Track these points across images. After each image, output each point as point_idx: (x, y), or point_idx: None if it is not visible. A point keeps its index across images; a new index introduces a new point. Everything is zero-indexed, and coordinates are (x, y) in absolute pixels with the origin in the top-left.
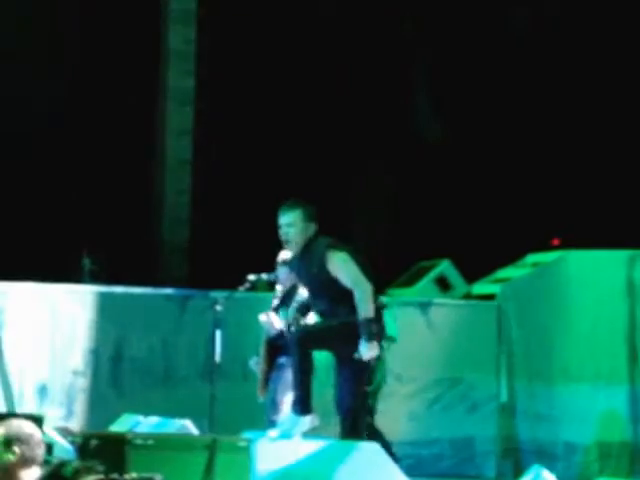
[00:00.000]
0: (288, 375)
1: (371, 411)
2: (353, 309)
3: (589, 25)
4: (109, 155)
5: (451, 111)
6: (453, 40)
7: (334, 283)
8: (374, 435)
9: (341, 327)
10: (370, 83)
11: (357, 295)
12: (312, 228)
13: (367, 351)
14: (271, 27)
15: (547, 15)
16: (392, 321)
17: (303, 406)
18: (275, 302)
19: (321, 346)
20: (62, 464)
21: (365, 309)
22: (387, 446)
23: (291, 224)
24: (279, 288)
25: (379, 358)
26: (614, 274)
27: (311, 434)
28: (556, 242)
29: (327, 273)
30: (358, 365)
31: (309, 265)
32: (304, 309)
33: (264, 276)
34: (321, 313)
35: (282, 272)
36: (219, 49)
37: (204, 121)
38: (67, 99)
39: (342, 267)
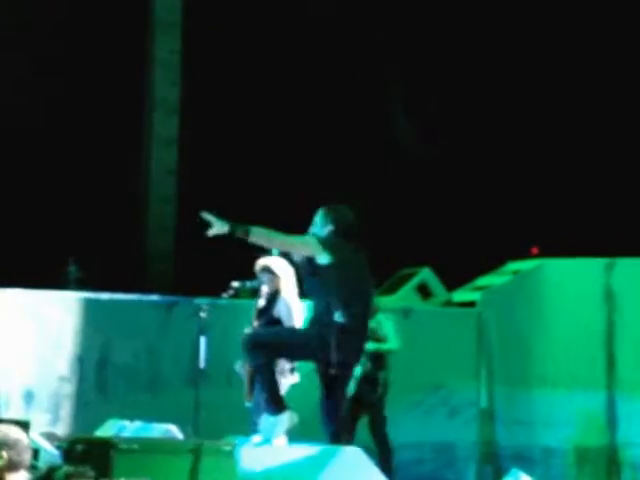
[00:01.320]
0: None
1: (383, 419)
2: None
3: (567, 42)
4: (96, 163)
5: (430, 122)
6: (428, 51)
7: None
8: (385, 444)
9: (296, 334)
10: (350, 96)
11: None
12: (328, 230)
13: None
14: (254, 38)
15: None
16: (392, 332)
17: (276, 405)
18: (261, 304)
19: (270, 350)
20: (53, 469)
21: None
22: (390, 455)
23: (313, 223)
24: (264, 290)
25: (381, 367)
26: (591, 281)
27: (297, 440)
28: (535, 251)
29: (314, 264)
30: (336, 372)
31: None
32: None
33: (248, 283)
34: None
35: (264, 278)
36: (204, 59)
37: (189, 131)
38: (54, 108)
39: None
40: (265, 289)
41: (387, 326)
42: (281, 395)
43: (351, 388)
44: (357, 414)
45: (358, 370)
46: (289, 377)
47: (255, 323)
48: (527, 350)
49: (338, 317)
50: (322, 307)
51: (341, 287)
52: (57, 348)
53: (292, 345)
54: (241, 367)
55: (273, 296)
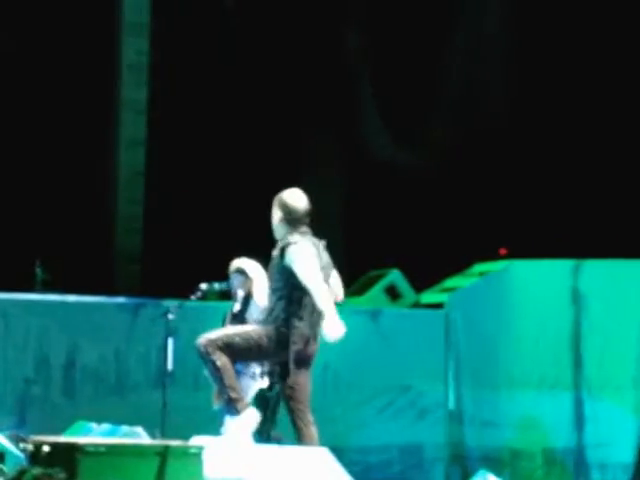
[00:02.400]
0: (242, 381)
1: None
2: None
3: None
4: (63, 165)
5: (398, 124)
6: (399, 54)
7: (287, 280)
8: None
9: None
10: (322, 97)
11: (310, 289)
12: (280, 220)
13: (331, 329)
14: (225, 37)
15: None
16: None
17: (237, 404)
18: (236, 308)
19: (226, 352)
20: (23, 471)
21: (321, 301)
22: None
23: (272, 214)
24: (240, 293)
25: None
26: (559, 283)
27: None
28: (503, 252)
29: (285, 267)
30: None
31: (274, 259)
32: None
33: (216, 285)
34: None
35: (236, 280)
36: (172, 61)
37: (157, 132)
38: (20, 109)
39: (297, 259)
40: (240, 293)
41: None
42: (242, 395)
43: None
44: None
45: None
46: (259, 381)
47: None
48: (495, 351)
49: (296, 317)
50: (278, 306)
51: (301, 287)
52: (23, 350)
53: (247, 346)
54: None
55: (247, 299)
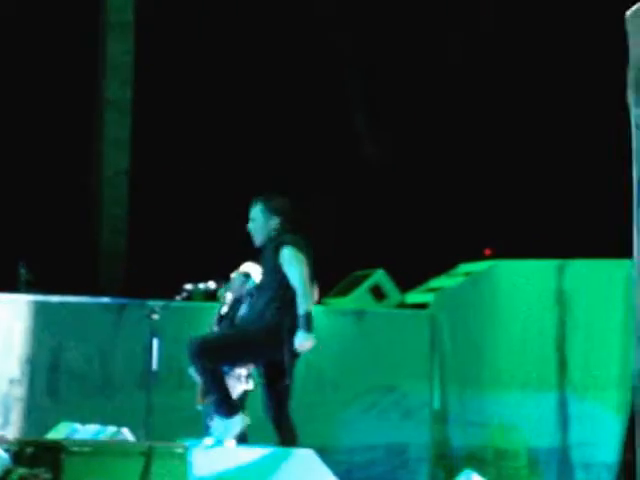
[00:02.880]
0: (227, 383)
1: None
2: (280, 314)
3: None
4: (47, 164)
5: (386, 124)
6: (388, 59)
7: (281, 280)
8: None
9: (247, 339)
10: (310, 100)
11: (298, 291)
12: (274, 222)
13: (304, 342)
14: (209, 37)
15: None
16: None
17: (227, 408)
18: (224, 310)
19: (219, 355)
20: (8, 471)
21: (305, 305)
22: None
23: (252, 218)
24: (228, 296)
25: None
26: (543, 283)
27: (248, 443)
28: (488, 252)
29: (278, 268)
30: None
31: (266, 260)
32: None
33: (201, 286)
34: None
35: (237, 281)
36: (157, 60)
37: (142, 132)
38: (4, 109)
39: (289, 262)
40: (229, 295)
41: None
42: (232, 398)
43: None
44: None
45: None
46: (244, 384)
47: (215, 328)
48: (479, 351)
49: (289, 317)
50: (270, 306)
51: (289, 287)
52: (7, 351)
53: (238, 348)
54: (195, 372)
55: (236, 302)
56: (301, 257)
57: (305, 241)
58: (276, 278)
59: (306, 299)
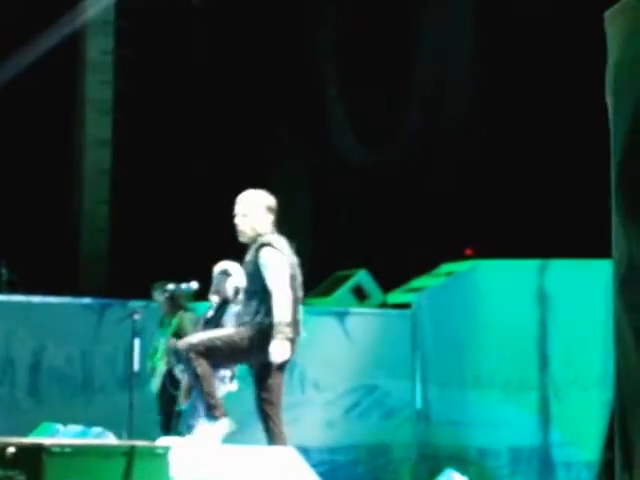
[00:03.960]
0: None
1: (174, 414)
2: (270, 316)
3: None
4: (28, 165)
5: (366, 123)
6: (368, 56)
7: (262, 283)
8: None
9: (238, 340)
10: (288, 94)
11: (274, 298)
12: (267, 220)
13: (280, 352)
14: (189, 35)
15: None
16: (191, 329)
17: (215, 411)
18: (209, 313)
19: (210, 357)
20: None
21: (280, 313)
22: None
23: (244, 214)
24: (214, 299)
25: None
26: (525, 282)
27: (228, 440)
28: (469, 252)
29: (258, 270)
30: (269, 370)
31: (249, 262)
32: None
33: (183, 286)
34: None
35: (215, 280)
36: (137, 59)
37: (122, 131)
38: None
39: (269, 265)
40: (214, 298)
41: (187, 323)
42: (221, 402)
43: (156, 384)
44: (171, 409)
45: (161, 366)
46: (228, 385)
47: (200, 331)
48: (461, 351)
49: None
50: (262, 309)
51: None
52: None
53: (229, 349)
54: (181, 372)
55: (222, 305)
56: (282, 261)
57: (288, 242)
58: (262, 280)
59: (282, 307)
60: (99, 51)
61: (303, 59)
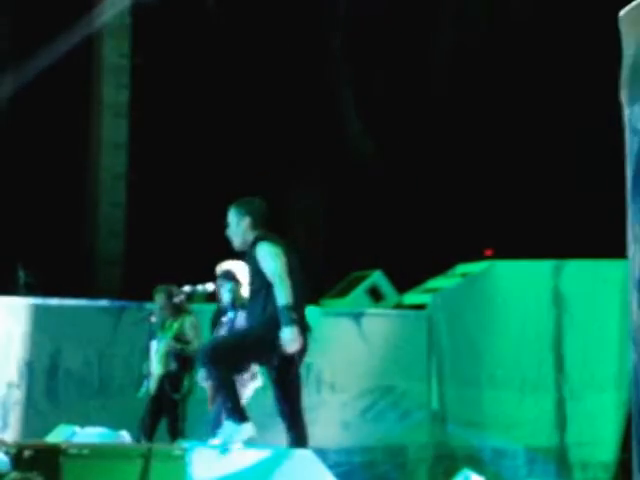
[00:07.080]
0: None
1: (179, 418)
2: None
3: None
4: (44, 168)
5: (381, 125)
6: (380, 54)
7: (264, 278)
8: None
9: (254, 338)
10: (303, 98)
11: (274, 285)
12: (244, 223)
13: (290, 337)
14: (205, 40)
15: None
16: (193, 333)
17: (239, 415)
18: (227, 316)
19: (231, 360)
20: (0, 476)
21: (281, 297)
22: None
23: (227, 223)
24: (224, 301)
25: (186, 368)
26: (540, 283)
27: (248, 442)
28: (489, 253)
29: (256, 265)
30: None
31: (250, 264)
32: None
33: (199, 287)
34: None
35: (226, 285)
36: (154, 63)
37: (139, 135)
38: (2, 112)
39: (264, 257)
40: (225, 299)
41: (188, 327)
42: (243, 406)
43: (152, 386)
44: (159, 413)
45: (160, 368)
46: (251, 384)
47: (217, 334)
48: (477, 352)
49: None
50: (270, 304)
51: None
52: (6, 354)
53: (248, 350)
54: (203, 379)
55: (234, 307)
56: (276, 250)
57: (282, 239)
58: (264, 276)
59: (283, 291)
60: (116, 54)
61: (317, 63)
